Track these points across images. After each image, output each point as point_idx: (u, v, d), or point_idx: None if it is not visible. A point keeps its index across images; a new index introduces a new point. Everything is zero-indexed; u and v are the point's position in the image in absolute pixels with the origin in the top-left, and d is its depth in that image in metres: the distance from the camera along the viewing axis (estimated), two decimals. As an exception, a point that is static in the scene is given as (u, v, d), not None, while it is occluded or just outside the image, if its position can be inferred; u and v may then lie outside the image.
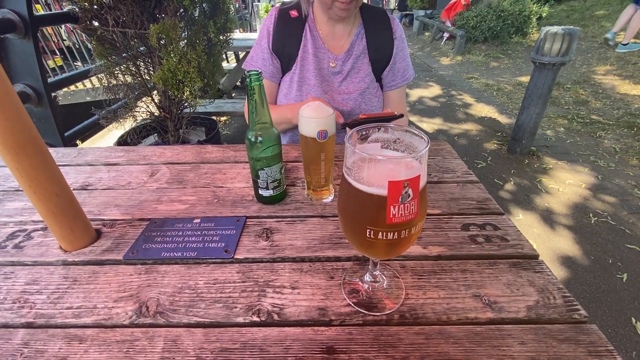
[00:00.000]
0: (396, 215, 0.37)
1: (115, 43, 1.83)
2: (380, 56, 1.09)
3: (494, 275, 0.56)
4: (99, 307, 0.52)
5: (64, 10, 1.77)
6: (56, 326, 0.49)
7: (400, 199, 0.36)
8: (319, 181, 0.72)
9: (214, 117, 2.80)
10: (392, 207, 0.37)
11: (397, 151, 0.43)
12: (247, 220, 0.70)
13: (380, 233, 0.39)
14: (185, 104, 2.13)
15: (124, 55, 1.96)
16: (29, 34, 1.42)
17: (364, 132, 0.43)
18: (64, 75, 1.73)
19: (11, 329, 0.49)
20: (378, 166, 0.37)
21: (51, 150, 1.02)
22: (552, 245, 1.99)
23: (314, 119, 0.63)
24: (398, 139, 0.43)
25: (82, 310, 0.52)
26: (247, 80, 0.60)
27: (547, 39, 2.46)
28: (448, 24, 7.39)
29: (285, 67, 1.09)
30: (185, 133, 2.34)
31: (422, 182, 0.38)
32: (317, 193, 0.74)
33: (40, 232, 0.68)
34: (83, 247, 0.64)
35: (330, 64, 1.08)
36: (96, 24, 1.80)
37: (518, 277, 0.56)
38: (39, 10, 3.94)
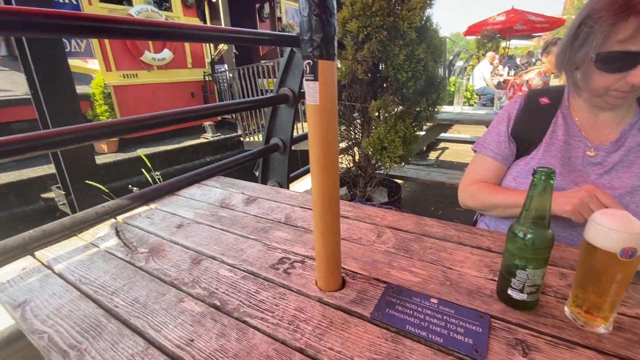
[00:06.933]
0: None
1: (342, 113, 2.26)
2: None
3: None
4: (355, 361, 0.56)
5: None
6: (322, 363, 0.56)
7: None
8: (599, 304, 0.58)
9: (397, 180, 2.94)
10: None
11: None
12: (491, 320, 0.63)
13: None
14: (381, 166, 2.34)
15: (343, 121, 2.39)
16: (294, 105, 1.93)
17: None
18: (301, 133, 2.23)
19: (290, 349, 0.59)
20: None
21: (291, 192, 1.29)
22: None
23: (619, 231, 0.52)
24: None
25: (341, 356, 0.57)
26: (537, 176, 0.57)
27: None
28: None
29: (522, 152, 1.05)
30: (372, 191, 2.54)
31: None
32: (589, 316, 0.60)
33: (300, 264, 0.84)
34: (334, 290, 0.73)
35: (588, 152, 0.95)
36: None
37: None
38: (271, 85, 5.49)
